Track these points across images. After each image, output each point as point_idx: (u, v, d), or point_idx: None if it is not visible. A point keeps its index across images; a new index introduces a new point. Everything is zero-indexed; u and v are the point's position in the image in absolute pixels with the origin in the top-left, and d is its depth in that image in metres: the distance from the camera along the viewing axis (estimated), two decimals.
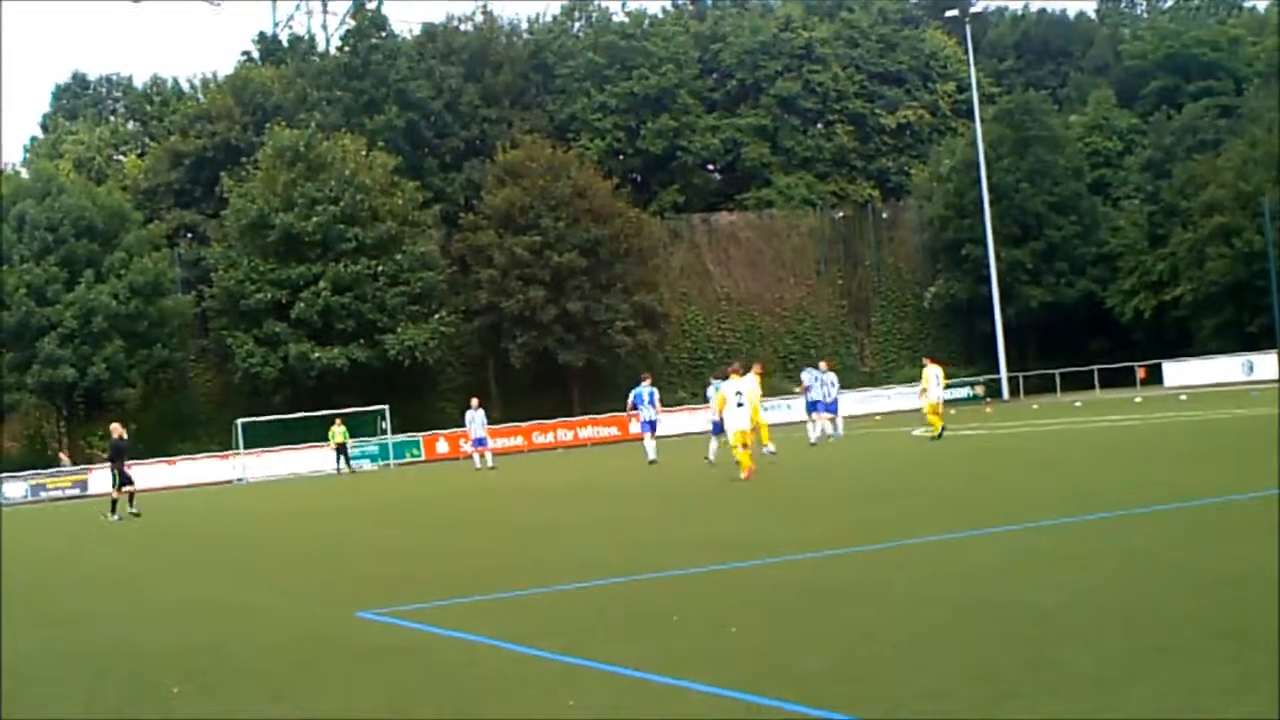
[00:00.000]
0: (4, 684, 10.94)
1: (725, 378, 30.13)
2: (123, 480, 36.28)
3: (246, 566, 20.43)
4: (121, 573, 21.14)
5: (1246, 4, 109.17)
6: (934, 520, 17.51)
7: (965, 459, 30.62)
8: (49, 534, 32.79)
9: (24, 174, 78.05)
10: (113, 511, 36.14)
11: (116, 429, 37.24)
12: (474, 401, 50.86)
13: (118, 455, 36.43)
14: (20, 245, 66.83)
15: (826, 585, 12.75)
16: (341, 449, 62.11)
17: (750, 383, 29.72)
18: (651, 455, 38.83)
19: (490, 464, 49.74)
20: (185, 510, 41.08)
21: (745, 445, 28.56)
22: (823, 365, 44.62)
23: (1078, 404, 59.38)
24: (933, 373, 39.12)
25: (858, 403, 71.21)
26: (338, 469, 61.71)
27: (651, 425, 39.80)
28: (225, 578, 18.83)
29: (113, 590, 18.33)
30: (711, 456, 34.23)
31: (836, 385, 43.85)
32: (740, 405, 28.67)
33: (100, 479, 63.20)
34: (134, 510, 36.35)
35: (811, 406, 43.46)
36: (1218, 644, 8.67)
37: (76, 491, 61.28)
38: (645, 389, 39.81)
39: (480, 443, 50.48)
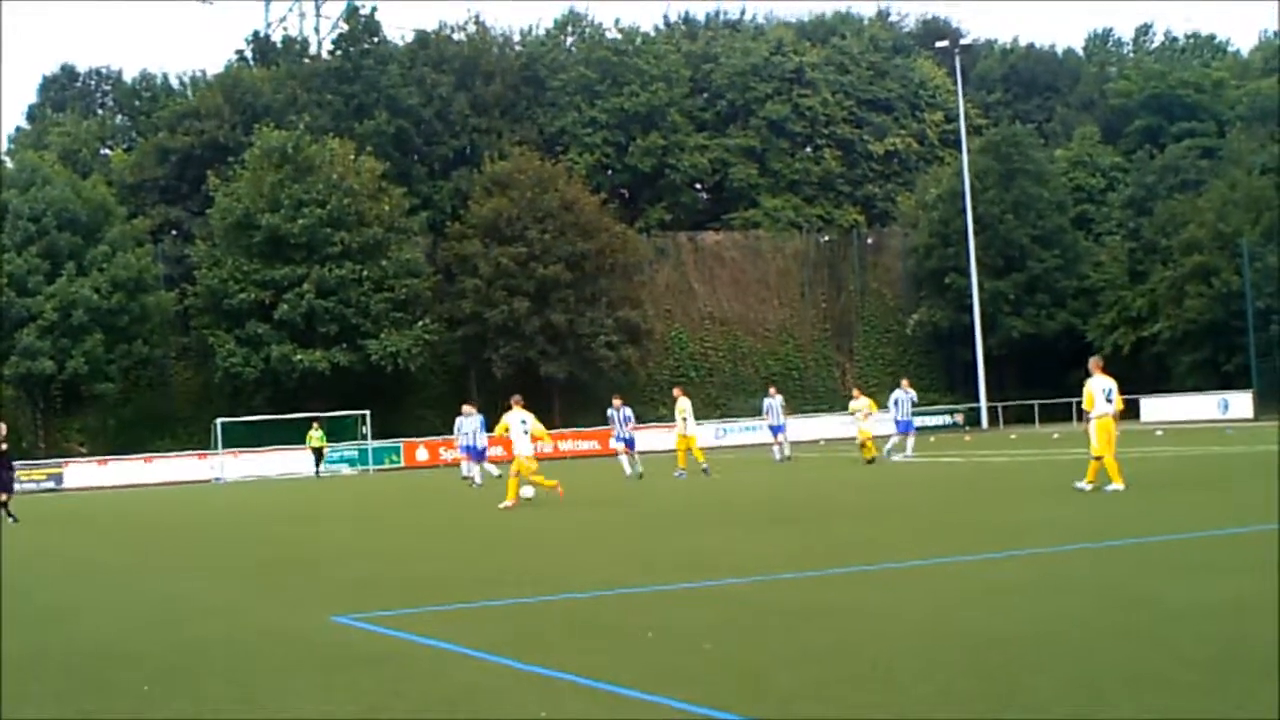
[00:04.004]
0: None
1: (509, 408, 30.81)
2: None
3: (221, 567, 20.33)
4: (92, 570, 21.12)
5: (1231, 48, 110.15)
6: (911, 545, 17.68)
7: (943, 486, 30.87)
8: (17, 528, 32.47)
9: (8, 164, 77.93)
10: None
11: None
12: (466, 408, 48.09)
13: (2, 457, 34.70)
14: (2, 235, 66.67)
15: (801, 605, 12.84)
16: (319, 453, 62.18)
17: (529, 415, 30.29)
18: (629, 470, 39.82)
19: (495, 473, 47.43)
20: (160, 509, 41.02)
21: (519, 473, 29.61)
22: (904, 383, 46.43)
23: (1055, 435, 59.63)
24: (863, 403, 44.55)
25: (842, 426, 71.70)
26: (316, 472, 61.78)
27: (628, 442, 41.28)
28: (199, 577, 18.78)
29: (83, 587, 18.28)
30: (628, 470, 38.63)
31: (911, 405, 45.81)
32: (526, 433, 29.61)
33: (76, 473, 63.41)
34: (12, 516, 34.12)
35: (905, 426, 45.08)
36: (1186, 673, 8.84)
37: (52, 485, 61.21)
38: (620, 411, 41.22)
39: (479, 454, 44.88)
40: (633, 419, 42.23)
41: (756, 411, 56.03)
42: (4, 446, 35.09)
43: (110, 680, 10.81)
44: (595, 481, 38.84)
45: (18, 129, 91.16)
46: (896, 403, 45.06)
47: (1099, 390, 25.48)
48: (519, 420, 29.66)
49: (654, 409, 74.53)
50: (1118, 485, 24.41)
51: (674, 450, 42.24)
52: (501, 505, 28.99)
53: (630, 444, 41.70)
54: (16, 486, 37.43)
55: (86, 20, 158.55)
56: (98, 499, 51.87)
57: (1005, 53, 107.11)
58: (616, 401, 42.02)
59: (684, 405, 40.84)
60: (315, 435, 62.24)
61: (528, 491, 29.71)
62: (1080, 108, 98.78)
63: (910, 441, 44.90)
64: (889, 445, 44.74)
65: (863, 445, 43.05)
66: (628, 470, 39.87)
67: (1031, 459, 40.30)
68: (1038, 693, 8.54)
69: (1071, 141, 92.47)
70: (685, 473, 39.57)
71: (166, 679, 10.59)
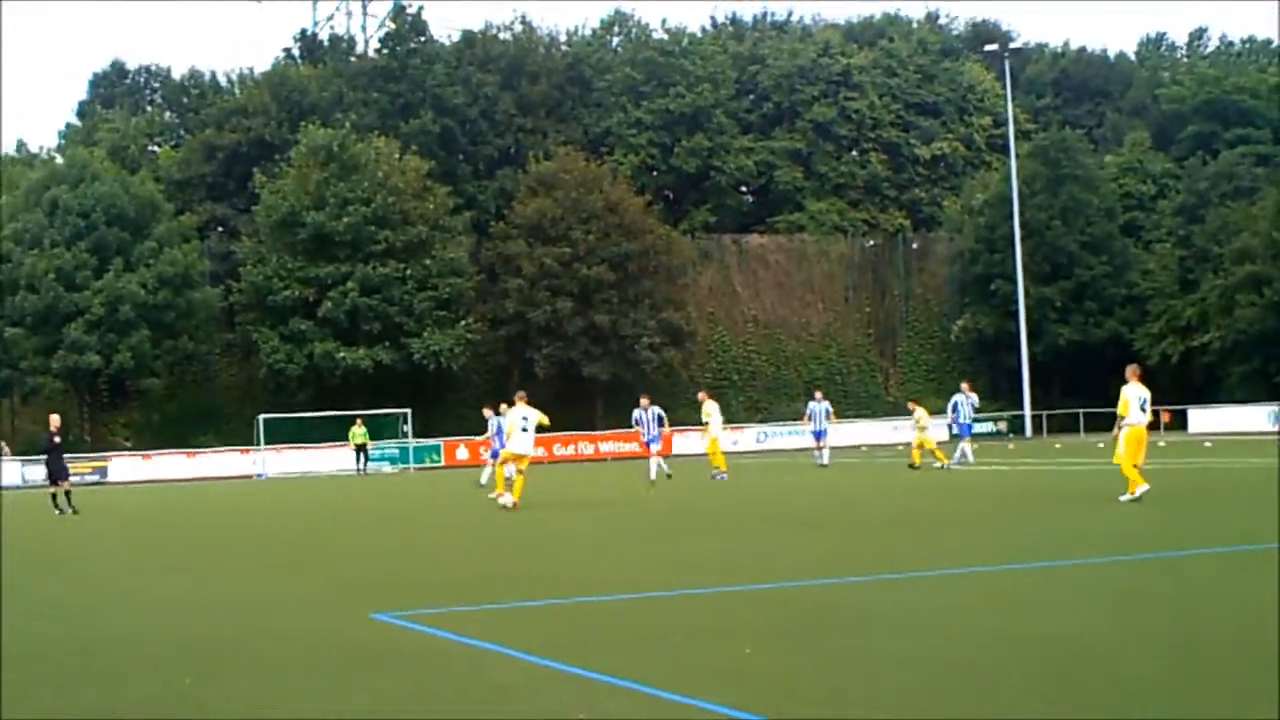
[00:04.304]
0: (20, 674, 10.88)
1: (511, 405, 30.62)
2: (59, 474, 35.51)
3: (264, 563, 20.37)
4: (136, 564, 21.06)
5: None
6: (948, 552, 17.63)
7: (984, 493, 30.50)
8: (68, 521, 32.67)
9: (58, 159, 78.21)
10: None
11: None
12: (503, 407, 48.81)
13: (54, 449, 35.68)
14: (51, 230, 66.91)
15: (836, 610, 12.79)
16: (361, 449, 62.15)
17: (534, 412, 29.81)
18: (654, 474, 38.69)
19: (510, 474, 48.10)
20: (202, 504, 41.09)
21: (521, 471, 29.49)
22: (965, 387, 46.13)
23: (1100, 444, 59.08)
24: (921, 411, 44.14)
25: (888, 432, 71.91)
26: (357, 469, 61.76)
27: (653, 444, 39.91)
28: (239, 573, 18.80)
29: (124, 581, 18.24)
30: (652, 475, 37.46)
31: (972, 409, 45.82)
32: (525, 430, 29.30)
33: (120, 466, 63.60)
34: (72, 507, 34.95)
35: (965, 429, 45.09)
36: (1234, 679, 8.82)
37: (96, 478, 61.26)
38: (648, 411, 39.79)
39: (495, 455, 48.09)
40: (665, 419, 40.44)
41: (798, 416, 55.79)
42: (57, 439, 35.54)
43: (151, 672, 10.85)
44: (633, 484, 38.57)
45: (68, 125, 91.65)
46: (956, 406, 45.05)
47: (1135, 399, 25.25)
48: (520, 416, 29.36)
49: (696, 411, 74.25)
50: (1131, 495, 24.20)
51: (716, 452, 41.53)
52: (500, 501, 29.10)
53: (656, 444, 39.97)
54: None
55: (136, 18, 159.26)
56: (141, 492, 52.13)
57: (1056, 56, 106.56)
58: (644, 401, 40.28)
59: (710, 408, 41.35)
60: (358, 432, 62.25)
61: (506, 499, 29.16)
62: (1131, 113, 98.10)
63: (968, 446, 44.57)
64: (957, 452, 44.26)
65: (918, 450, 43.08)
66: (653, 473, 38.75)
67: (1077, 468, 39.92)
68: (1086, 705, 8.44)
69: (1122, 147, 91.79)
70: (725, 474, 39.74)
71: (207, 672, 10.60)
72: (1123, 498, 24.21)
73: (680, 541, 21.09)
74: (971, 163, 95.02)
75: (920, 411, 44.51)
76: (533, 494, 32.71)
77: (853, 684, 9.27)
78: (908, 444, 47.76)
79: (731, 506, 28.81)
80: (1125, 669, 9.34)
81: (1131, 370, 26.08)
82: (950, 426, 46.93)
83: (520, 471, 29.43)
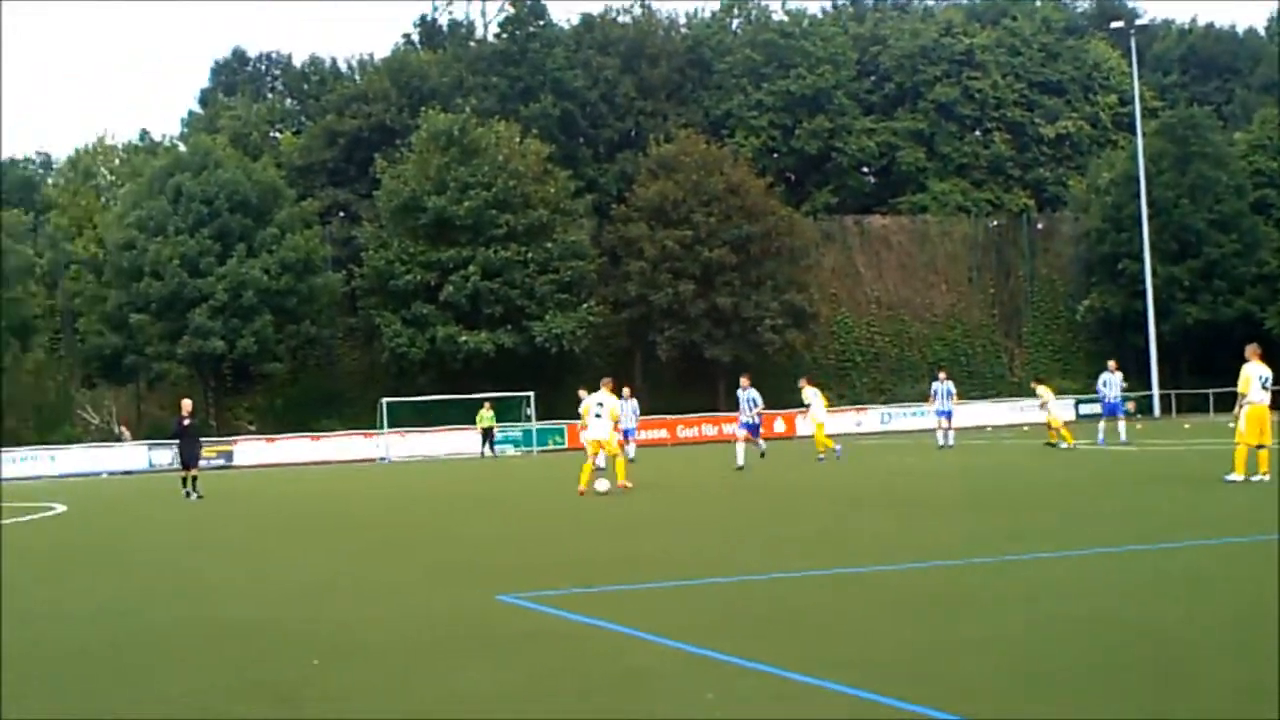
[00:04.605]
0: (153, 654, 11.10)
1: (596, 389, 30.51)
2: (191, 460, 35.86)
3: (390, 546, 20.40)
4: (262, 549, 21.09)
5: None
6: (1072, 533, 17.45)
7: (1111, 474, 30.18)
8: (196, 506, 32.97)
9: (181, 147, 78.98)
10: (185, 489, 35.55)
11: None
12: (625, 391, 49.39)
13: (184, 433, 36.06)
14: (175, 217, 67.57)
15: (961, 593, 12.67)
16: (488, 433, 62.11)
17: (610, 398, 29.73)
18: (741, 460, 37.71)
19: (631, 456, 48.07)
20: (328, 487, 41.37)
21: (613, 455, 29.72)
22: (1111, 365, 45.84)
23: (1231, 424, 58.07)
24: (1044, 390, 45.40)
25: (1013, 412, 71.17)
26: (482, 453, 61.79)
27: (752, 429, 39.29)
28: (363, 556, 18.82)
29: (254, 566, 18.25)
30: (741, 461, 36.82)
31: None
32: (599, 417, 29.19)
33: (245, 450, 64.19)
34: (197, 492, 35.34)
35: (1111, 409, 45.03)
36: None
37: (222, 462, 61.75)
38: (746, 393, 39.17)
39: (627, 434, 48.81)
40: (760, 403, 39.60)
41: (923, 397, 55.27)
42: (186, 422, 35.81)
43: (278, 654, 10.94)
44: (753, 465, 38.31)
45: (190, 113, 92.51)
46: (1105, 384, 44.88)
47: (1256, 377, 24.85)
48: (596, 403, 29.35)
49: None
50: (1237, 476, 23.89)
51: (821, 437, 41.26)
52: (597, 489, 28.44)
53: (754, 430, 39.51)
54: None
55: (257, 5, 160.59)
56: (266, 476, 52.50)
57: (1183, 33, 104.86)
58: (744, 381, 39.47)
59: (810, 394, 41.71)
60: (486, 415, 62.14)
61: (602, 485, 28.55)
62: (1261, 89, 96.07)
63: (1121, 425, 44.59)
64: (1100, 432, 44.34)
65: (1051, 429, 43.70)
66: (740, 460, 37.62)
67: (1207, 448, 39.16)
68: (1198, 691, 8.31)
69: (1251, 124, 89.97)
70: (840, 450, 40.61)
71: (335, 653, 10.64)
72: (1228, 477, 24.02)
73: (799, 523, 21.01)
74: (1097, 141, 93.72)
75: (1043, 390, 45.10)
76: (653, 475, 32.53)
77: (982, 669, 9.12)
78: (1034, 425, 47.52)
79: (852, 488, 28.56)
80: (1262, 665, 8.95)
81: (1251, 349, 25.66)
82: (1100, 405, 46.56)
83: (613, 455, 29.62)
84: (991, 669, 9.08)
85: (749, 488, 30.07)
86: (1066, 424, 45.69)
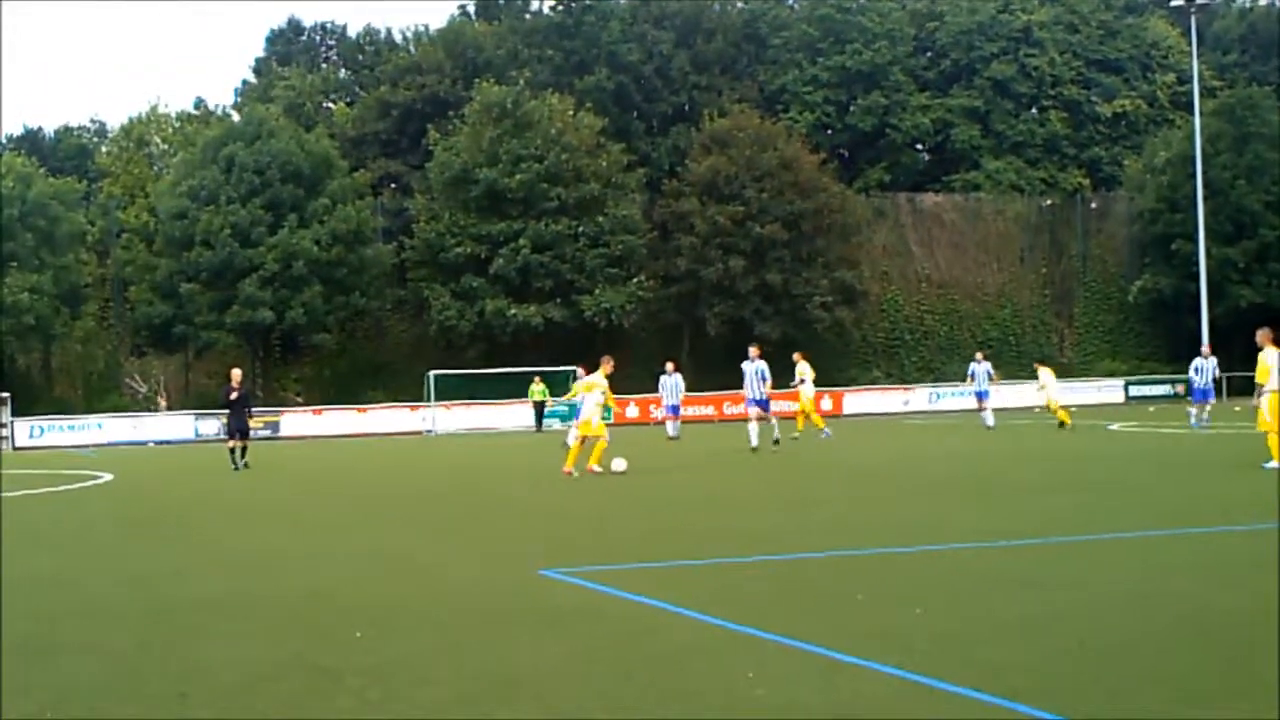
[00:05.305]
0: (195, 623, 11.14)
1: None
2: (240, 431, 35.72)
3: (433, 519, 20.44)
4: (308, 521, 21.03)
5: None
6: (1127, 516, 17.33)
7: (1157, 457, 30.04)
8: (242, 476, 33.00)
9: (235, 117, 79.12)
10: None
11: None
12: (669, 366, 49.46)
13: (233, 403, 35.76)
14: (228, 186, 67.67)
15: (1007, 575, 12.58)
16: (540, 407, 61.95)
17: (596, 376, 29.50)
18: (755, 440, 35.76)
19: (674, 434, 47.46)
20: (374, 460, 41.39)
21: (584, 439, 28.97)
22: (1205, 349, 47.13)
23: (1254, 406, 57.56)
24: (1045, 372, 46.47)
25: (1063, 394, 70.52)
26: (536, 426, 61.59)
27: (761, 404, 36.99)
28: (408, 529, 18.80)
29: (299, 538, 18.22)
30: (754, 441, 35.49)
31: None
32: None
33: (292, 421, 64.35)
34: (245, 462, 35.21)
35: (1203, 394, 45.66)
36: None
37: (268, 432, 61.88)
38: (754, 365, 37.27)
39: (673, 410, 49.22)
40: (769, 377, 37.20)
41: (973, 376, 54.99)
42: (235, 394, 35.45)
43: (320, 625, 10.91)
44: (796, 441, 38.22)
45: (244, 83, 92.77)
46: (1199, 370, 45.44)
47: (1275, 362, 24.34)
48: (583, 385, 29.54)
49: (866, 371, 74.38)
50: (1275, 463, 23.74)
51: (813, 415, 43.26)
52: (615, 469, 27.97)
53: (765, 405, 36.96)
54: None
55: None
56: (312, 447, 52.66)
57: (1244, 12, 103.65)
58: (753, 352, 37.39)
59: (802, 369, 42.44)
60: (537, 389, 61.90)
61: (619, 464, 27.97)
62: None
63: (1207, 409, 44.92)
64: (1191, 414, 44.94)
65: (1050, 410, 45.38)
66: (754, 440, 35.54)
67: (1257, 431, 38.78)
68: (1258, 673, 8.18)
69: None
70: (829, 431, 42.51)
71: (377, 626, 10.63)
72: (1268, 464, 23.85)
73: (839, 503, 20.88)
74: (1154, 120, 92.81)
75: (1044, 372, 46.33)
76: (696, 452, 32.39)
77: (1023, 650, 9.08)
78: (1083, 406, 47.88)
79: (892, 468, 28.53)
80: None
81: (1263, 335, 25.22)
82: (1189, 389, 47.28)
83: (586, 436, 28.94)
84: (1041, 650, 9.02)
85: (789, 466, 29.99)
86: (1064, 407, 46.10)
